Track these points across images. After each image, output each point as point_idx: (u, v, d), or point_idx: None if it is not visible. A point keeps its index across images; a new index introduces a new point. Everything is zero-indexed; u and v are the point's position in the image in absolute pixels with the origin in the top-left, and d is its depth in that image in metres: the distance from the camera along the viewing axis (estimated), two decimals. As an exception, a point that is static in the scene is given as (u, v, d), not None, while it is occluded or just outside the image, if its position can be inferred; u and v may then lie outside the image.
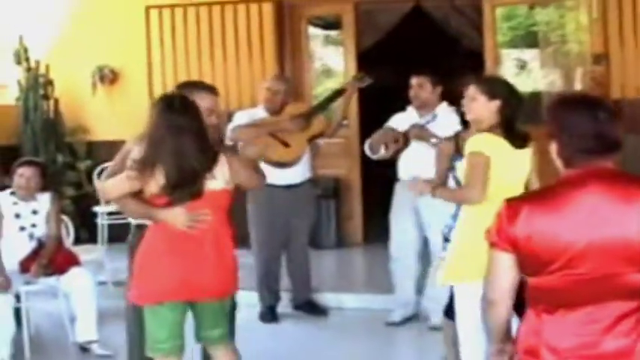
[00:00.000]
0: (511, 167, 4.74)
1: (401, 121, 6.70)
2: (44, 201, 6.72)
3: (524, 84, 10.19)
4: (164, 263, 4.29)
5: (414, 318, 6.93)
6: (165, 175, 4.20)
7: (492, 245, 2.89)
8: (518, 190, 4.52)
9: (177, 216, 4.28)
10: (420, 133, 6.39)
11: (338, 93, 7.23)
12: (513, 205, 2.85)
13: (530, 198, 2.95)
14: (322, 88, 11.42)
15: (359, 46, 9.83)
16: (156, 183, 4.22)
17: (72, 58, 10.14)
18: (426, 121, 6.51)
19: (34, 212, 6.68)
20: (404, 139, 6.48)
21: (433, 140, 6.20)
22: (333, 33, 12.03)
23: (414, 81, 6.70)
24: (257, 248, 7.20)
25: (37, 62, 9.89)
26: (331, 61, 12.40)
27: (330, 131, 7.29)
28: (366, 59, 9.70)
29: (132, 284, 4.46)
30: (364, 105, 9.15)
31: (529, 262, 2.82)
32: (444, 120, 6.42)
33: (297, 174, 7.06)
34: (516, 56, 10.29)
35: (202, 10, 9.78)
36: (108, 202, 4.82)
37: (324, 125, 7.16)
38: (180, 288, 4.28)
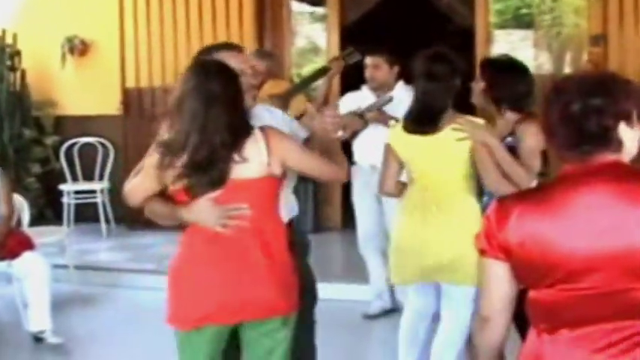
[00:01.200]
0: (412, 155, 4.58)
1: (354, 100, 6.30)
2: None
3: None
4: (199, 278, 3.45)
5: (393, 311, 6.49)
6: (189, 153, 3.38)
7: (482, 253, 2.46)
8: (437, 180, 4.48)
9: (203, 212, 3.43)
10: (377, 116, 6.00)
11: (321, 72, 6.64)
12: (503, 205, 2.43)
13: (522, 197, 2.50)
14: (306, 68, 10.97)
15: (343, 22, 9.36)
16: (174, 170, 3.42)
17: (40, 27, 9.67)
18: (381, 103, 6.09)
19: None
20: (363, 120, 6.04)
21: (392, 122, 5.78)
22: (317, 9, 11.56)
23: (369, 61, 6.33)
24: None
25: (4, 31, 9.41)
26: (315, 39, 11.94)
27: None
28: (350, 35, 9.23)
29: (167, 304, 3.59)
30: (345, 83, 8.66)
31: (524, 272, 2.39)
32: (402, 100, 6.01)
33: None
34: (508, 37, 9.84)
35: (178, -24, 9.26)
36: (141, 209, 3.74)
37: (304, 106, 6.62)
38: (222, 308, 3.44)
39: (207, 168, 3.37)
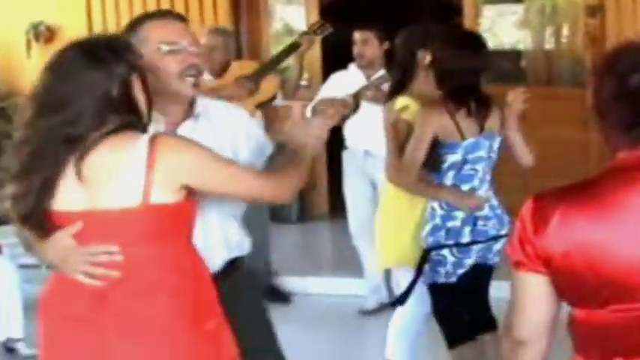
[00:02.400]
0: None
1: (343, 80, 5.98)
2: None
3: (503, 41, 9.40)
4: (48, 344, 2.68)
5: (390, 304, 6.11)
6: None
7: (516, 265, 2.03)
8: None
9: (58, 252, 2.57)
10: (375, 94, 5.58)
11: (291, 48, 6.19)
12: (541, 205, 2.00)
13: (565, 196, 2.02)
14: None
15: (322, 1, 8.89)
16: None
17: (2, 14, 9.11)
18: (379, 81, 5.75)
19: None
20: (354, 103, 5.62)
21: None
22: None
23: (358, 36, 5.98)
24: None
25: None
26: (292, 20, 11.48)
27: (287, 93, 6.30)
28: (329, 13, 8.79)
29: None
30: (328, 62, 8.22)
31: (569, 287, 1.97)
32: None
33: None
34: (498, 11, 9.43)
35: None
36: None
37: (276, 87, 6.17)
38: None
39: (30, 197, 2.51)
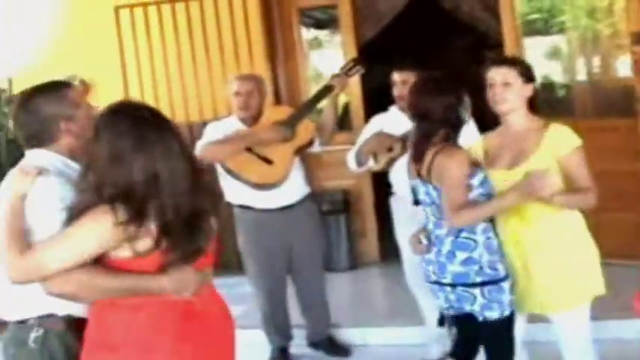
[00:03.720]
0: None
1: (384, 123, 5.71)
2: None
3: (546, 73, 9.19)
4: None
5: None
6: (159, 219, 2.79)
7: None
8: None
9: (190, 281, 2.89)
10: None
11: (323, 91, 5.96)
12: None
13: None
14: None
15: (358, 39, 8.72)
16: (148, 236, 2.77)
17: (36, 71, 8.98)
18: None
19: None
20: (402, 146, 5.38)
21: None
22: (324, 33, 10.96)
23: (397, 77, 5.72)
24: (255, 283, 6.08)
25: (10, 81, 8.72)
26: (331, 62, 11.37)
27: (323, 138, 6.07)
28: (368, 54, 8.62)
29: None
30: (370, 104, 8.03)
31: None
32: None
33: (290, 193, 5.85)
34: (539, 42, 9.21)
35: (179, 7, 8.62)
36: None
37: (313, 132, 5.94)
38: None
39: (191, 234, 2.84)
